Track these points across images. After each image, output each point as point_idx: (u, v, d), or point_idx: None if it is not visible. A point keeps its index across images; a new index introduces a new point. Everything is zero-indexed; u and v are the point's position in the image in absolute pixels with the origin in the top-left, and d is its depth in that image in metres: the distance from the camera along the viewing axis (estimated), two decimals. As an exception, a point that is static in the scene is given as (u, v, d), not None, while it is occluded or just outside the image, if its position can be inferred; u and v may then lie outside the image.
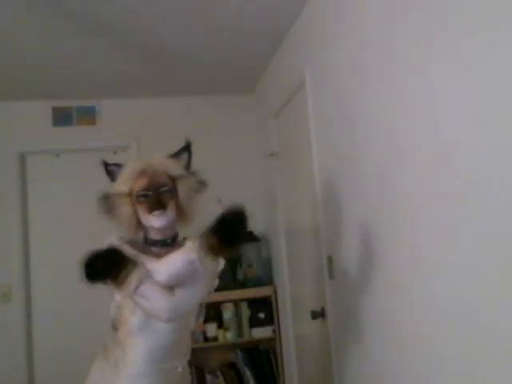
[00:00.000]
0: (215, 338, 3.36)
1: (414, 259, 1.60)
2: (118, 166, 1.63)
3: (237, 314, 3.43)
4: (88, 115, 3.65)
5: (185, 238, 1.58)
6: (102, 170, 1.66)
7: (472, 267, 1.30)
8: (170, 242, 1.58)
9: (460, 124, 1.32)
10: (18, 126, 3.53)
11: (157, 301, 1.44)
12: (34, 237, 3.50)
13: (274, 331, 3.42)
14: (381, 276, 1.84)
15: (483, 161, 1.23)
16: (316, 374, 2.77)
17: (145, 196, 1.53)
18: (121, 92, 3.59)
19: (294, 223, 3.02)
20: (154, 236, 1.58)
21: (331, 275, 2.34)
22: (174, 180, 1.58)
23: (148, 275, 1.44)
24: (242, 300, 3.43)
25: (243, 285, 3.46)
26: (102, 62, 3.03)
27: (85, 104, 3.64)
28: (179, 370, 1.61)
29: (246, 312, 3.44)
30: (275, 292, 3.44)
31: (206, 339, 3.33)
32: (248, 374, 3.40)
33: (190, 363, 1.73)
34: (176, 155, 1.67)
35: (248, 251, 3.59)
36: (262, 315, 3.45)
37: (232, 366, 3.45)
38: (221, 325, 3.39)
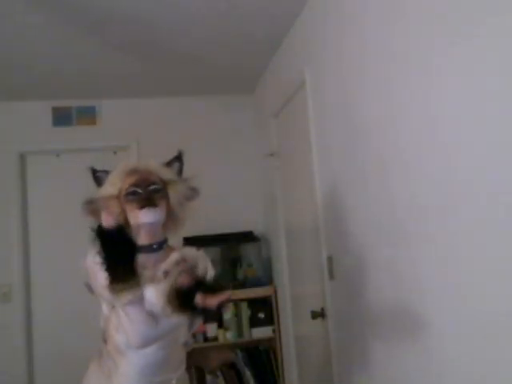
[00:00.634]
0: (215, 338, 3.37)
1: (414, 259, 1.60)
2: (106, 172, 1.57)
3: (237, 314, 3.43)
4: (88, 115, 3.65)
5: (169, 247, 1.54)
6: (89, 176, 1.59)
7: (472, 267, 1.30)
8: (156, 248, 1.51)
9: (460, 124, 1.32)
10: (18, 126, 3.53)
11: (137, 325, 1.37)
12: (34, 237, 3.51)
13: (273, 331, 3.42)
14: (381, 276, 1.84)
15: (484, 161, 1.23)
16: (316, 374, 2.77)
17: (134, 193, 1.47)
18: (121, 92, 3.59)
19: (294, 223, 3.02)
20: (142, 240, 1.49)
21: (331, 275, 2.34)
22: (165, 184, 1.53)
23: (142, 296, 1.37)
24: (242, 300, 3.43)
25: (243, 285, 3.46)
26: (102, 62, 3.03)
27: (85, 104, 3.64)
28: (173, 382, 1.56)
29: (246, 312, 3.44)
30: (275, 292, 3.44)
31: (205, 339, 3.33)
32: (248, 374, 3.40)
33: (190, 364, 1.73)
34: (168, 164, 1.62)
35: (248, 251, 3.59)
36: (261, 315, 3.45)
37: (232, 366, 3.45)
38: (221, 325, 3.40)
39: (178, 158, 1.64)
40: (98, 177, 1.58)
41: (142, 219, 1.46)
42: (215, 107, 3.83)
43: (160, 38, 2.77)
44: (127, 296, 1.33)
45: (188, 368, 1.72)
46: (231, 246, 3.55)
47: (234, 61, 3.19)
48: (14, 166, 3.49)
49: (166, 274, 1.42)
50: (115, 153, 3.67)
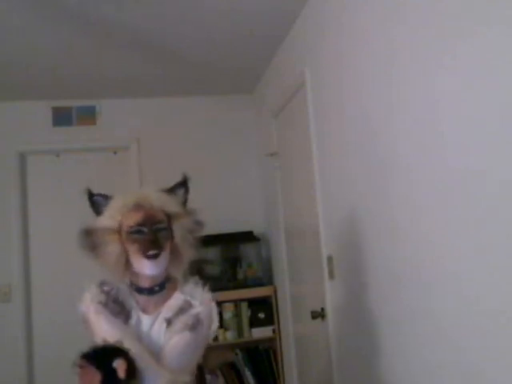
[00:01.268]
0: (215, 338, 3.36)
1: (414, 259, 1.60)
2: (105, 197, 1.47)
3: (237, 314, 3.43)
4: (88, 115, 3.65)
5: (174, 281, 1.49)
6: (85, 200, 1.49)
7: (473, 267, 1.30)
8: (157, 290, 1.44)
9: (460, 124, 1.32)
10: (18, 126, 3.53)
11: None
12: (34, 237, 3.50)
13: (273, 331, 3.42)
14: (381, 276, 1.84)
15: (484, 161, 1.23)
16: (316, 374, 2.77)
17: (139, 232, 1.37)
18: (121, 92, 3.59)
19: (294, 223, 3.02)
20: (142, 283, 1.43)
21: (331, 275, 2.34)
22: (169, 218, 1.43)
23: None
24: (242, 300, 3.43)
25: (243, 285, 3.46)
26: (102, 62, 3.03)
27: (85, 104, 3.64)
28: None
29: (245, 312, 3.44)
30: (275, 292, 3.44)
31: (206, 339, 3.34)
32: (248, 374, 3.40)
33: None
34: (172, 190, 1.52)
35: (248, 251, 3.59)
36: (261, 315, 3.45)
37: (232, 365, 3.45)
38: (221, 325, 3.39)
39: (184, 183, 1.55)
40: (95, 201, 1.49)
41: (146, 271, 1.39)
42: (215, 107, 3.83)
43: (160, 38, 2.77)
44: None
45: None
46: (231, 246, 3.55)
47: (234, 61, 3.19)
48: (14, 166, 3.49)
49: (169, 322, 1.40)
50: (115, 153, 3.67)
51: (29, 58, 2.89)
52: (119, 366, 1.18)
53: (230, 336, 3.39)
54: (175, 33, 2.71)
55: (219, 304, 3.48)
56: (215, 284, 3.19)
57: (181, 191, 1.54)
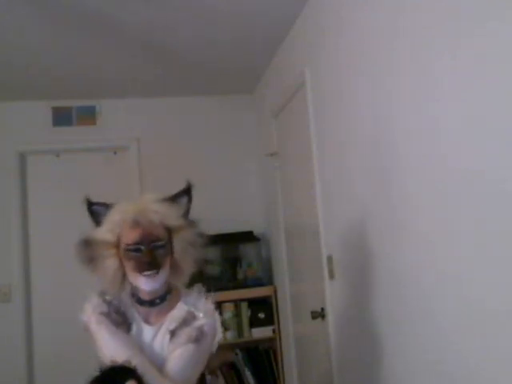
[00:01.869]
0: (215, 338, 3.36)
1: (414, 259, 1.60)
2: (105, 206, 1.43)
3: (237, 314, 3.43)
4: (88, 115, 3.65)
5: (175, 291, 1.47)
6: (84, 209, 1.45)
7: (473, 267, 1.30)
8: (158, 302, 1.42)
9: (460, 124, 1.32)
10: (18, 126, 3.53)
11: None
12: (34, 237, 3.50)
13: (274, 331, 3.42)
14: (381, 276, 1.84)
15: (485, 164, 1.23)
16: (316, 374, 2.77)
17: (136, 251, 1.34)
18: (121, 92, 3.59)
19: (294, 223, 3.02)
20: (143, 296, 1.41)
21: (331, 275, 2.34)
22: (170, 231, 1.39)
23: None
24: (242, 300, 3.43)
25: (243, 285, 3.46)
26: (102, 62, 3.03)
27: (85, 104, 3.64)
28: None
29: (245, 312, 3.44)
30: (275, 292, 3.44)
31: (206, 339, 3.33)
32: (248, 373, 3.40)
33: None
34: (174, 199, 1.46)
35: (248, 251, 3.59)
36: (262, 315, 3.45)
37: (232, 365, 3.45)
38: (221, 325, 3.39)
39: (187, 191, 1.49)
40: (94, 211, 1.44)
41: (142, 286, 1.37)
42: (215, 107, 3.83)
43: (160, 38, 2.77)
44: None
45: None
46: (231, 246, 3.55)
47: (234, 61, 3.19)
48: (14, 166, 3.49)
49: (173, 334, 1.39)
50: (115, 153, 3.68)
51: (29, 58, 2.89)
52: None
53: (230, 336, 3.39)
54: (175, 33, 2.71)
55: (219, 304, 3.50)
56: (215, 284, 3.22)
57: (184, 200, 1.48)
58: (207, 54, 3.03)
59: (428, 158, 1.47)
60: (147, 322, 1.44)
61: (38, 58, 2.89)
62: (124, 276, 1.39)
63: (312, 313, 2.52)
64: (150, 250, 1.34)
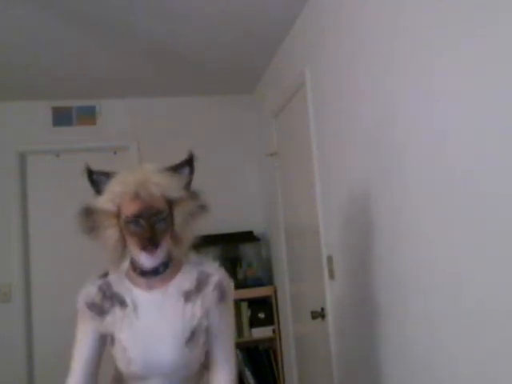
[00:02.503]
0: (215, 338, 3.36)
1: (414, 259, 1.60)
2: (106, 175, 1.40)
3: (237, 314, 3.43)
4: (88, 115, 3.65)
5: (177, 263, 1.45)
6: (85, 177, 1.43)
7: (473, 267, 1.30)
8: (161, 271, 1.38)
9: (460, 123, 1.32)
10: (18, 126, 3.53)
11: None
12: (34, 237, 3.50)
13: (273, 331, 3.42)
14: (381, 276, 1.84)
15: (485, 164, 1.23)
16: (316, 374, 2.77)
17: (135, 223, 1.31)
18: (121, 92, 3.59)
19: (294, 223, 3.02)
20: (145, 266, 1.37)
21: (331, 275, 2.34)
22: (170, 203, 1.36)
23: None
24: (242, 300, 3.43)
25: (243, 285, 3.47)
26: (102, 62, 3.03)
27: (85, 104, 3.64)
28: None
29: (245, 312, 3.44)
30: (275, 292, 3.44)
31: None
32: (248, 373, 3.40)
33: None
34: (175, 169, 1.44)
35: (248, 251, 3.59)
36: (262, 315, 3.46)
37: (232, 365, 3.45)
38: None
39: (189, 161, 1.47)
40: (95, 180, 1.42)
41: (143, 263, 1.35)
42: (215, 107, 3.83)
43: (160, 38, 2.77)
44: None
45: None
46: (231, 245, 3.55)
47: (234, 61, 3.19)
48: (14, 166, 3.49)
49: (187, 296, 1.38)
50: (115, 153, 3.68)
51: (29, 58, 2.89)
52: None
53: (229, 336, 3.39)
54: (175, 33, 2.71)
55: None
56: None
57: (185, 171, 1.45)
58: (207, 54, 3.03)
59: (428, 158, 1.47)
60: (152, 288, 1.40)
61: (37, 58, 2.89)
62: (125, 246, 1.37)
63: (312, 313, 2.52)
64: (150, 225, 1.30)
